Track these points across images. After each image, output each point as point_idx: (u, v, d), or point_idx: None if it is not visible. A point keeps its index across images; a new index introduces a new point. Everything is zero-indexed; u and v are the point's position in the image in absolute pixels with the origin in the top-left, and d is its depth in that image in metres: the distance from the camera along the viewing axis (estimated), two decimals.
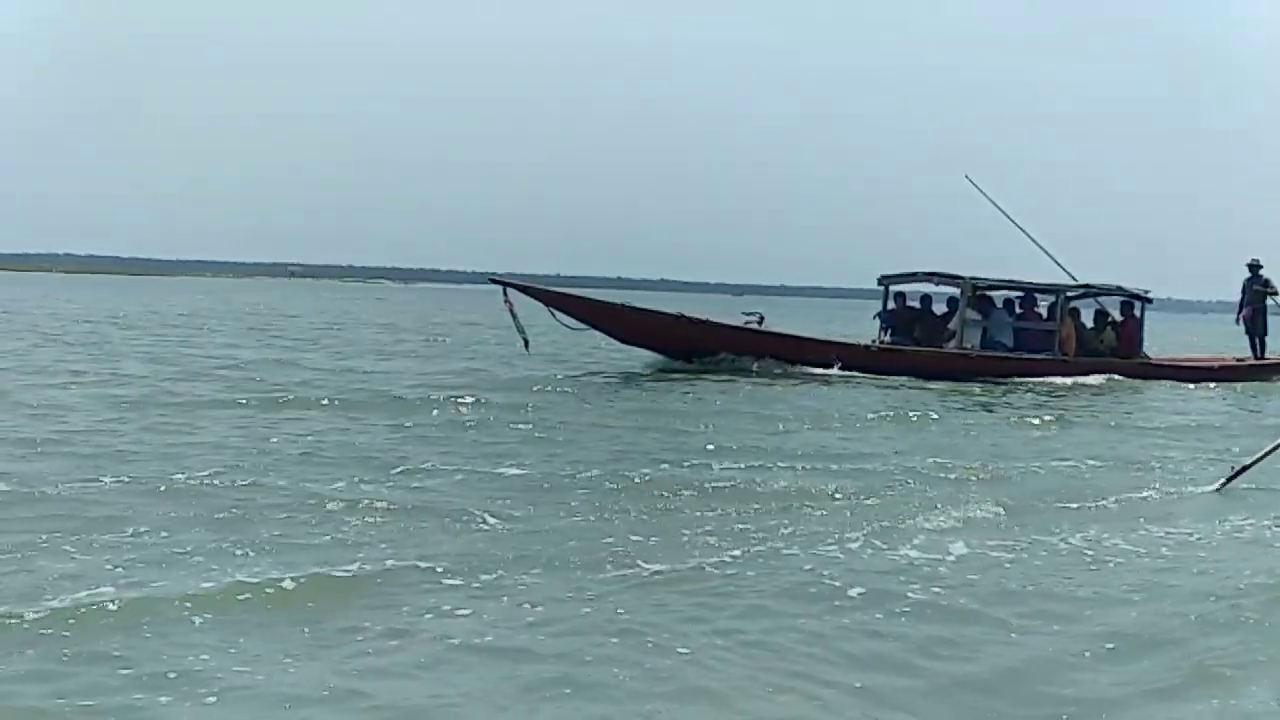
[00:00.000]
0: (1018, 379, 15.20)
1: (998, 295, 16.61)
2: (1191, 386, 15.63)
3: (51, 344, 17.52)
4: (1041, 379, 15.29)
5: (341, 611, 4.40)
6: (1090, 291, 16.67)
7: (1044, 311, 16.45)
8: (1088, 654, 4.25)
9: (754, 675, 3.93)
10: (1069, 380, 15.38)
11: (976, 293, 16.22)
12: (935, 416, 11.40)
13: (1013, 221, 16.79)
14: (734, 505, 6.49)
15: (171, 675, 3.72)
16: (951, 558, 5.49)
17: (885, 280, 16.76)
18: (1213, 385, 15.94)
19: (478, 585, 4.77)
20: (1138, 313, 16.77)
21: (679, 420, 10.35)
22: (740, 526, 5.99)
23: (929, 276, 16.47)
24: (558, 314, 15.13)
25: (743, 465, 7.88)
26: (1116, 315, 16.92)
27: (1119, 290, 16.78)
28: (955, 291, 16.19)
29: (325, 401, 10.68)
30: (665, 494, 6.82)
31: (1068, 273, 16.51)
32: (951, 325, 16.15)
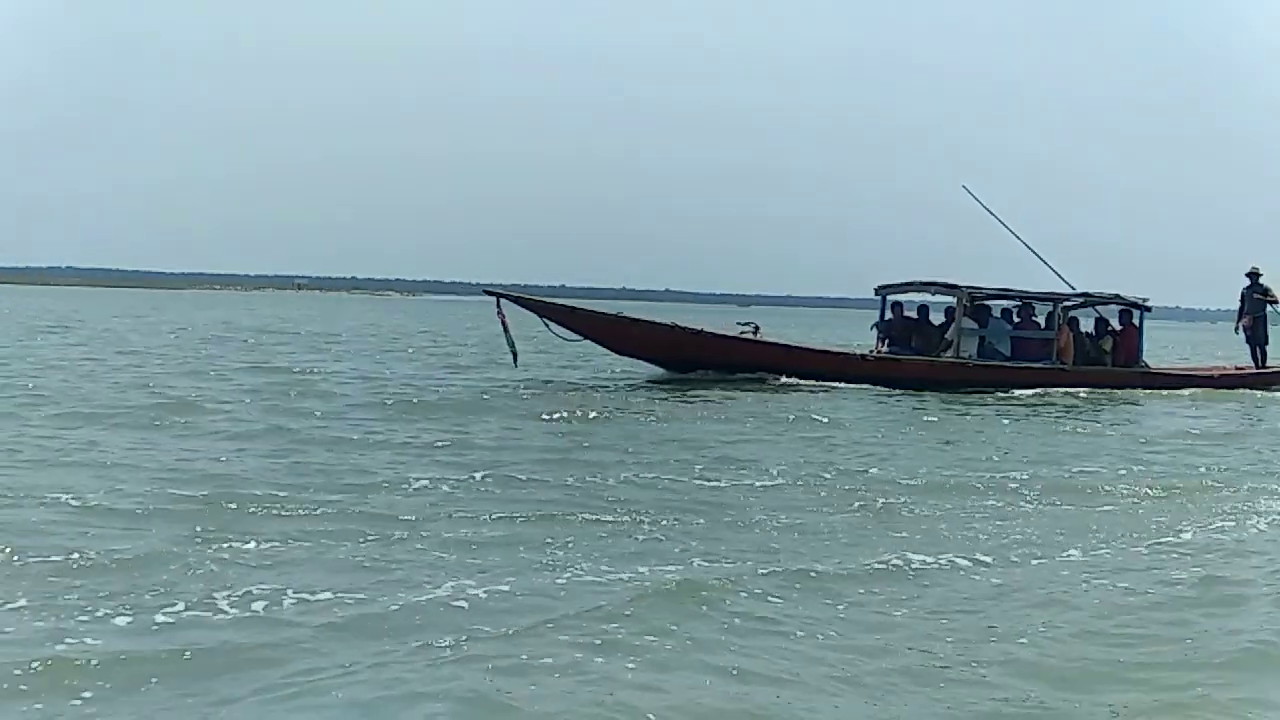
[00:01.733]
0: (1015, 388, 15.13)
1: (995, 305, 16.56)
2: (1191, 394, 15.57)
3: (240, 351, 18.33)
4: (1039, 388, 15.23)
5: None
6: (1088, 300, 16.58)
7: (1042, 321, 16.37)
8: None
9: None
10: (1066, 390, 15.31)
11: (974, 302, 16.15)
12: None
13: (1012, 233, 16.74)
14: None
15: None
16: None
17: (882, 290, 16.69)
18: (1214, 393, 15.85)
19: None
20: (1137, 321, 16.67)
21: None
22: None
23: (926, 286, 16.40)
24: (551, 325, 15.10)
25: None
26: (1116, 324, 16.83)
27: (1117, 299, 16.67)
28: (952, 301, 16.13)
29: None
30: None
31: (1066, 281, 16.46)
32: (949, 335, 16.07)
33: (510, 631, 4.36)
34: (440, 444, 9.06)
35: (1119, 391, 15.52)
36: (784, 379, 14.87)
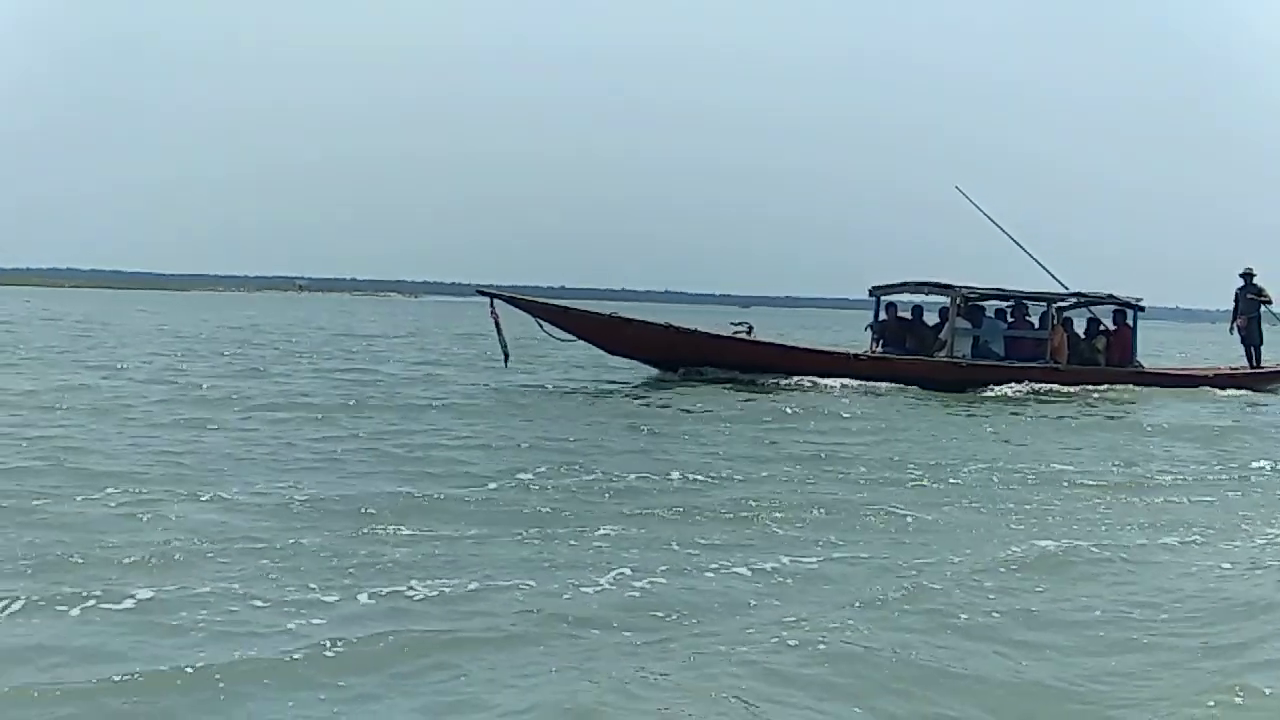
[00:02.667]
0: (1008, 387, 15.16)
1: (989, 305, 16.59)
2: (1185, 394, 15.59)
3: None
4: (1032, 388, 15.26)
5: None
6: (1082, 300, 16.60)
7: (1036, 321, 16.40)
8: None
9: None
10: (1060, 389, 15.34)
11: (967, 302, 16.19)
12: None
13: (1005, 233, 16.75)
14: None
15: None
16: None
17: (876, 291, 16.71)
18: (1207, 393, 15.89)
19: None
20: (1130, 321, 16.69)
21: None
22: None
23: (919, 286, 16.42)
24: (545, 325, 15.12)
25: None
26: (1109, 324, 16.85)
27: (1111, 299, 16.70)
28: (946, 301, 16.15)
29: None
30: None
31: (1059, 281, 16.47)
32: (943, 335, 16.10)
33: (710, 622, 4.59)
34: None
35: (1113, 391, 15.54)
36: (776, 378, 14.90)
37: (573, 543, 5.79)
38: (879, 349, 16.52)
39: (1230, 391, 16.08)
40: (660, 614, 4.66)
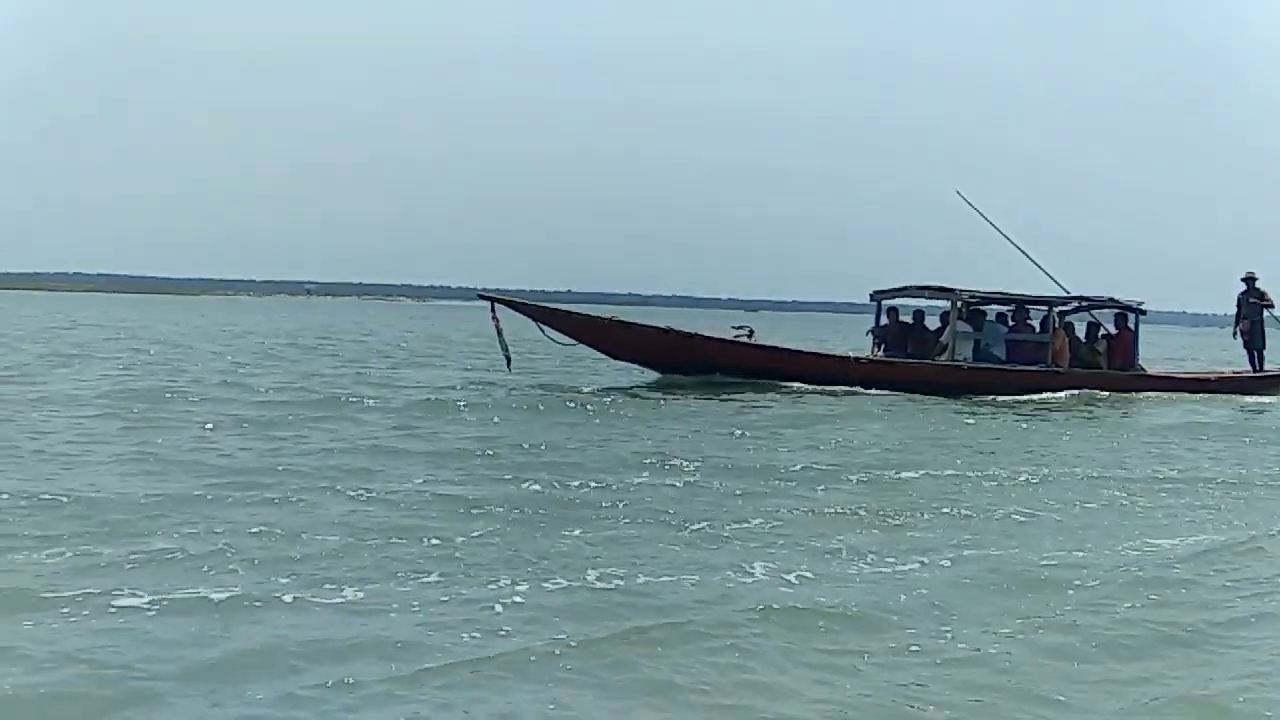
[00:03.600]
0: (1010, 393, 15.14)
1: (990, 309, 16.59)
2: (1188, 398, 15.59)
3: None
4: (1034, 392, 15.25)
5: None
6: (1083, 303, 16.60)
7: (1037, 324, 16.40)
8: None
9: None
10: (1063, 393, 15.35)
11: (968, 306, 16.19)
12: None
13: (1006, 237, 16.74)
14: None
15: None
16: None
17: (877, 296, 16.72)
18: (1210, 397, 15.88)
19: None
20: (1132, 324, 16.68)
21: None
22: None
23: (920, 290, 16.42)
24: (546, 330, 15.14)
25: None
26: (1111, 328, 16.85)
27: (1112, 302, 16.70)
28: (947, 305, 16.16)
29: None
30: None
31: (1059, 285, 16.47)
32: (943, 338, 16.10)
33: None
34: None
35: (1115, 394, 15.54)
36: (777, 382, 14.91)
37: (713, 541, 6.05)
38: (880, 353, 16.53)
39: (1236, 396, 16.07)
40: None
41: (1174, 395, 15.84)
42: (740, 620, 4.55)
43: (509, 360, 14.50)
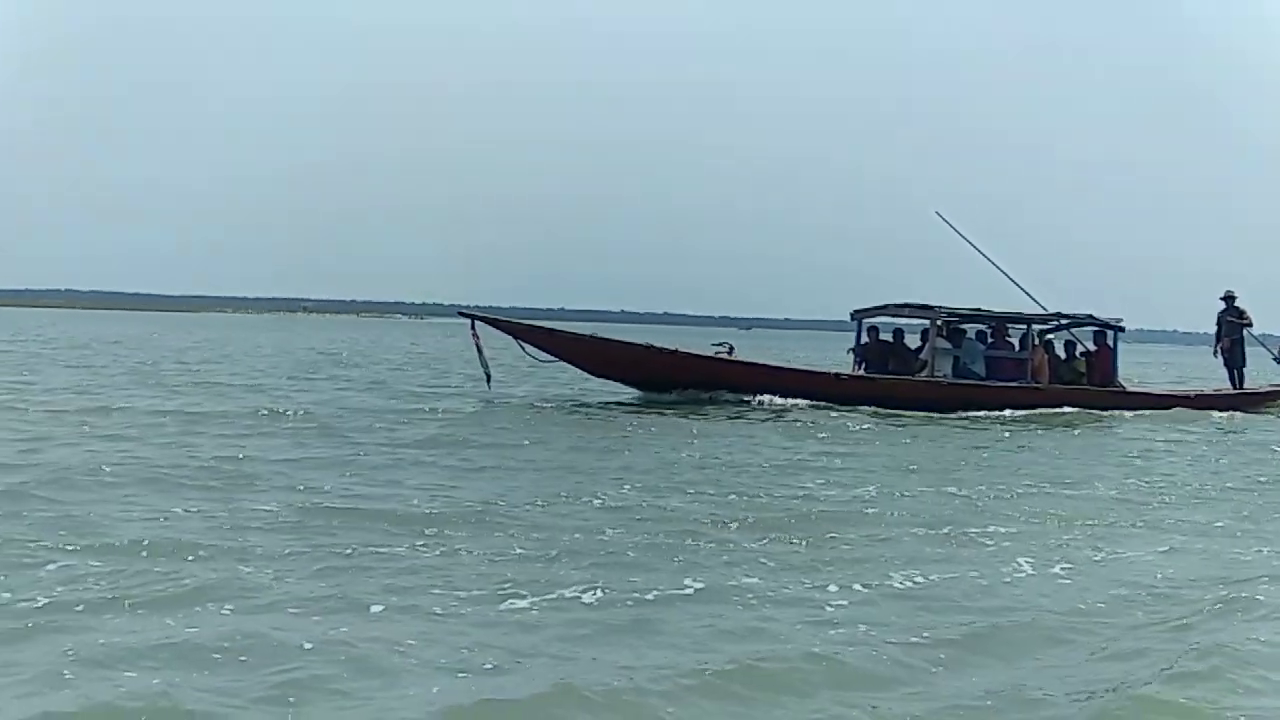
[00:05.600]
0: (989, 409, 15.21)
1: (970, 327, 16.66)
2: (1166, 415, 15.66)
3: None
4: (1015, 408, 15.31)
5: None
6: (1062, 321, 16.68)
7: (1016, 343, 16.48)
8: None
9: None
10: (1042, 409, 15.41)
11: (948, 324, 16.27)
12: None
13: (983, 255, 16.81)
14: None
15: None
16: None
17: (857, 314, 16.77)
18: (1188, 413, 15.96)
19: None
20: (1111, 342, 16.77)
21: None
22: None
23: (900, 309, 16.48)
24: (526, 347, 15.18)
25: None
26: (1090, 345, 16.94)
27: (1090, 319, 16.79)
28: (928, 324, 16.23)
29: None
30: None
31: (1037, 303, 16.57)
32: (923, 355, 16.18)
33: None
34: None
35: (1093, 411, 15.60)
36: (757, 398, 14.96)
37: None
38: (861, 371, 16.57)
39: (1214, 413, 16.13)
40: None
41: (1152, 412, 15.91)
42: None
43: (489, 377, 14.54)
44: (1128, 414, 15.58)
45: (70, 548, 5.67)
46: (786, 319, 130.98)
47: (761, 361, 16.45)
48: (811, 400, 15.07)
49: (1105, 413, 15.57)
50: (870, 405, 14.99)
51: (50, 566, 5.33)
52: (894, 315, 16.71)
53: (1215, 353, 18.36)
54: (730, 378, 15.33)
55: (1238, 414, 16.30)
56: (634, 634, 4.67)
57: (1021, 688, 4.22)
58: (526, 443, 10.58)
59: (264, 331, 55.08)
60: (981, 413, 15.04)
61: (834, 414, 14.22)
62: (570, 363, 15.73)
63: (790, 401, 14.98)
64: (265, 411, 12.32)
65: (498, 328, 15.12)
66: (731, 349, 15.83)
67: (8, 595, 4.84)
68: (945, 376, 15.92)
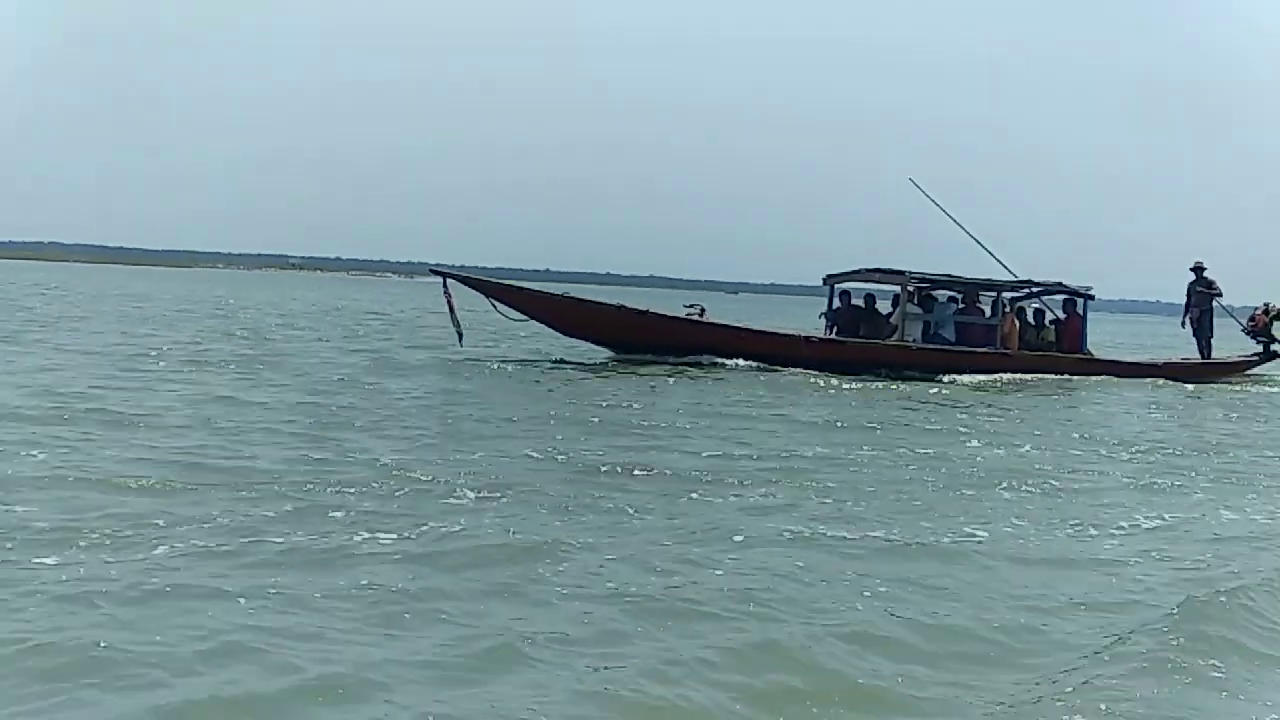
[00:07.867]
0: (958, 373, 15.32)
1: (941, 293, 16.75)
2: (1134, 382, 15.82)
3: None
4: (983, 373, 15.44)
5: None
6: (1033, 289, 16.79)
7: (987, 309, 16.57)
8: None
9: None
10: (1010, 375, 15.54)
11: (919, 290, 16.35)
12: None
13: (957, 223, 16.89)
14: None
15: None
16: None
17: (830, 279, 16.83)
18: (1155, 381, 16.14)
19: None
20: (1080, 310, 16.88)
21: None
22: None
23: (872, 273, 16.55)
24: (498, 305, 15.23)
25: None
26: (1060, 313, 17.05)
27: (1060, 287, 16.90)
28: (899, 289, 16.30)
29: None
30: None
31: (1008, 270, 16.67)
32: (893, 319, 16.27)
33: None
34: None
35: (1062, 378, 15.73)
36: (728, 361, 15.04)
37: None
38: (833, 336, 16.64)
39: (1180, 382, 16.29)
40: None
41: (1120, 379, 16.06)
42: None
43: (461, 335, 14.59)
44: (1093, 380, 15.74)
45: None
46: (772, 283, 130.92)
47: (730, 324, 16.48)
48: (779, 364, 15.15)
49: (1073, 379, 15.72)
50: (839, 369, 15.06)
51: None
52: (866, 280, 16.79)
53: (1183, 323, 18.50)
54: (701, 340, 15.39)
55: (1204, 383, 16.48)
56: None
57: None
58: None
59: (294, 288, 54.99)
60: (948, 376, 15.17)
61: (794, 375, 14.36)
62: (542, 322, 15.79)
63: (758, 363, 15.07)
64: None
65: (469, 286, 15.14)
66: (703, 311, 15.87)
67: None
68: (915, 341, 16.03)
